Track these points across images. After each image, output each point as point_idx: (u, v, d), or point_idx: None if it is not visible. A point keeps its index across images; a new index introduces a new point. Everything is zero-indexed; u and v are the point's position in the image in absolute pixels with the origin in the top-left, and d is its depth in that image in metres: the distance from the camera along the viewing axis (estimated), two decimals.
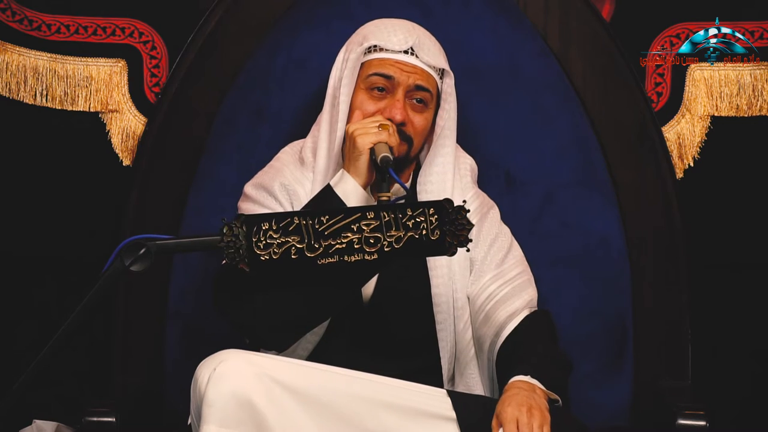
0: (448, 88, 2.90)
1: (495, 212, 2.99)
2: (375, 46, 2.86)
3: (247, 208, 2.90)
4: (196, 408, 2.57)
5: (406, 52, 2.86)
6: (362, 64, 2.87)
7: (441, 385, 2.86)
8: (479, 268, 2.89)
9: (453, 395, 2.65)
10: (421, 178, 2.92)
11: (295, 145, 3.01)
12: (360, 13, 3.07)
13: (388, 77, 2.84)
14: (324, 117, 2.90)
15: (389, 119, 2.82)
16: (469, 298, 2.89)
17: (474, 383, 2.89)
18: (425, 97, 2.86)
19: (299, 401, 2.55)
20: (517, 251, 2.95)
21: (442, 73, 2.89)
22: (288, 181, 2.91)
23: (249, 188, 2.94)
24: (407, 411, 2.60)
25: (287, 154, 3.00)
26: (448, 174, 2.91)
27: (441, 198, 2.83)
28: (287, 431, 2.53)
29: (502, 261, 2.91)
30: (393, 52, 2.86)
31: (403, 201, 2.79)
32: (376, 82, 2.85)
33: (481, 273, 2.89)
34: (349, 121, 2.86)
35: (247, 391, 2.51)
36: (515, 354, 2.77)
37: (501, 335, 2.82)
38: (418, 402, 2.62)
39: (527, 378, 2.65)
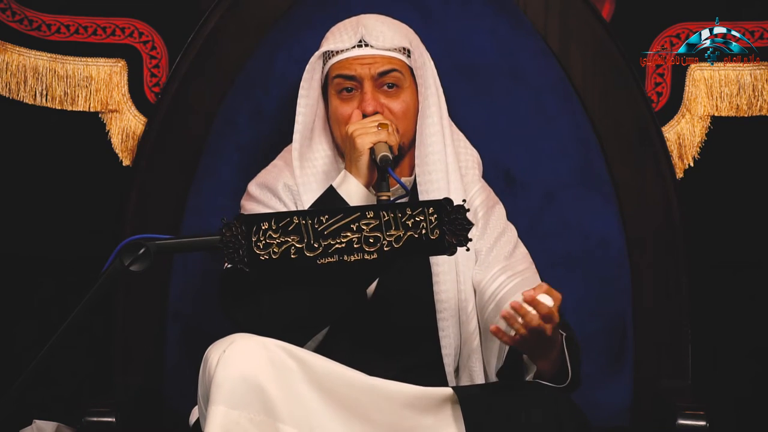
0: (417, 62, 2.89)
1: (501, 208, 3.00)
2: (328, 51, 2.90)
3: (250, 207, 2.90)
4: (204, 390, 2.58)
5: (359, 45, 2.87)
6: (327, 73, 2.89)
7: (444, 379, 2.87)
8: (485, 259, 2.89)
9: (458, 390, 2.66)
10: (419, 160, 2.90)
11: None
12: (360, 13, 3.07)
13: (348, 77, 2.86)
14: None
15: (363, 114, 2.83)
16: (475, 289, 2.89)
17: (477, 375, 2.88)
18: (395, 79, 2.87)
19: (308, 385, 2.56)
20: (523, 249, 2.96)
21: (407, 51, 2.89)
22: (291, 181, 2.92)
23: (252, 187, 2.94)
24: (413, 404, 2.61)
25: (290, 152, 3.01)
26: (441, 154, 2.88)
27: (440, 179, 2.85)
28: (295, 414, 2.54)
29: (510, 255, 2.91)
30: (346, 50, 2.88)
31: (405, 199, 2.80)
32: (342, 84, 2.88)
33: (489, 264, 2.88)
34: (335, 129, 2.89)
35: (256, 373, 2.52)
36: None
37: None
38: (423, 396, 2.62)
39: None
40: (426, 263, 2.88)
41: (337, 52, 2.88)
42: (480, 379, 2.88)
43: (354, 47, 2.88)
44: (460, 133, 3.04)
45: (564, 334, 2.66)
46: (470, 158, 3.01)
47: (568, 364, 2.66)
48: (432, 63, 2.93)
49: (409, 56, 2.89)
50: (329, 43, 2.90)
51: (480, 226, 2.91)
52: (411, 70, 2.90)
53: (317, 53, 2.90)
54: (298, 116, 2.91)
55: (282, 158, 3.00)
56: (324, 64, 2.91)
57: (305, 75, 2.91)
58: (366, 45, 2.87)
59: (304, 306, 2.71)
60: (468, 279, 2.88)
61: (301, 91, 2.90)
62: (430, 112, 2.89)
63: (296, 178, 2.90)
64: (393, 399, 2.60)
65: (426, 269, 2.88)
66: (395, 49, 2.88)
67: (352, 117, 2.86)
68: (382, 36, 2.88)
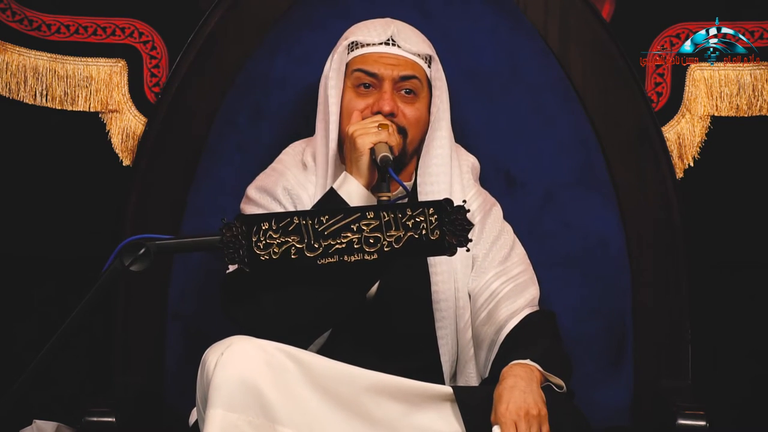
0: (436, 73, 2.90)
1: (497, 210, 2.99)
2: (355, 42, 2.89)
3: (250, 211, 2.90)
4: (203, 392, 2.58)
5: (386, 43, 2.87)
6: (347, 64, 2.88)
7: (442, 383, 2.85)
8: (481, 265, 2.90)
9: (457, 389, 2.66)
10: (421, 170, 2.90)
11: (297, 146, 3.01)
12: (360, 13, 3.07)
13: (371, 74, 2.86)
14: (318, 123, 2.91)
15: (378, 112, 2.82)
16: (470, 296, 2.89)
17: (473, 382, 2.89)
18: (414, 86, 2.87)
19: (307, 386, 2.56)
20: (520, 249, 2.96)
21: (429, 60, 2.90)
22: (291, 185, 2.91)
23: (252, 191, 2.94)
24: (412, 401, 2.61)
25: (289, 155, 3.00)
26: (446, 166, 2.89)
27: (442, 191, 2.84)
28: (294, 416, 2.54)
29: (505, 258, 2.91)
30: (373, 45, 2.87)
31: (404, 200, 2.80)
32: (361, 78, 2.86)
33: (484, 270, 2.89)
34: (342, 122, 2.86)
35: (254, 376, 2.52)
36: (514, 349, 2.76)
37: (501, 333, 2.83)
38: (422, 393, 2.62)
39: (526, 361, 2.65)
40: (426, 265, 2.88)
41: (364, 45, 2.88)
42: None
43: (382, 44, 2.88)
44: (458, 145, 3.04)
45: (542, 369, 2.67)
46: (467, 164, 3.01)
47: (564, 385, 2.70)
48: (444, 79, 2.93)
49: (430, 66, 2.90)
50: (357, 34, 2.89)
51: (476, 232, 2.90)
52: (429, 82, 2.90)
53: (345, 43, 2.89)
54: (331, 106, 2.87)
55: (281, 161, 2.99)
56: (347, 54, 2.90)
57: (333, 65, 2.89)
58: (394, 44, 2.87)
59: (309, 309, 2.71)
60: (465, 286, 2.89)
61: (330, 82, 2.88)
62: (441, 125, 2.90)
63: (318, 177, 2.88)
64: (393, 395, 2.60)
65: (426, 270, 2.88)
66: (420, 55, 2.89)
67: (352, 118, 2.85)
68: (410, 39, 2.89)
